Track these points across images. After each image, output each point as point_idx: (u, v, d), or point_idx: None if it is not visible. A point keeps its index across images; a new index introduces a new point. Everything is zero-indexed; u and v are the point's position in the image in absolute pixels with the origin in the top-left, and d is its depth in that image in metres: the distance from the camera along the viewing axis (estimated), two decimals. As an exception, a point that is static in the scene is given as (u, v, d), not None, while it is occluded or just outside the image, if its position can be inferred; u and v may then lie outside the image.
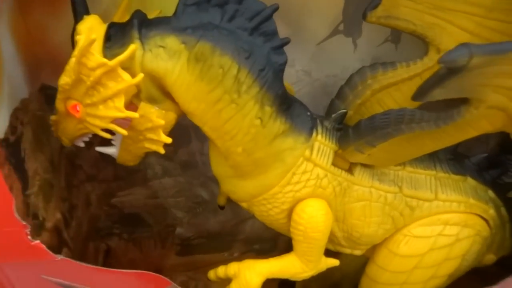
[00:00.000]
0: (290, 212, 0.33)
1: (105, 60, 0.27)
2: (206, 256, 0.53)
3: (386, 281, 0.36)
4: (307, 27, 0.38)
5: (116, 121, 0.29)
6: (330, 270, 0.39)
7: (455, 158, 0.35)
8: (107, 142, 0.32)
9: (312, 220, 0.31)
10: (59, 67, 0.28)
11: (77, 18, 0.28)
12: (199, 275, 0.52)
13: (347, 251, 0.36)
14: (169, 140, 0.30)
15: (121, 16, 0.31)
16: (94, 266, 0.30)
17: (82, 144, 0.33)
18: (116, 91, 0.27)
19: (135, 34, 0.27)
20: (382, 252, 0.35)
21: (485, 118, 0.27)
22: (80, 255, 0.44)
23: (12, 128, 0.32)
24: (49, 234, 0.37)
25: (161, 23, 0.28)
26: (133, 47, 0.27)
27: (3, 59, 0.31)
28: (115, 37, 0.28)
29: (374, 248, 0.36)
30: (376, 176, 0.33)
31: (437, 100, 0.26)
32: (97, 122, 0.29)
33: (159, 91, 0.29)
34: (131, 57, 0.27)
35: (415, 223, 0.34)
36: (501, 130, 0.29)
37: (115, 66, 0.27)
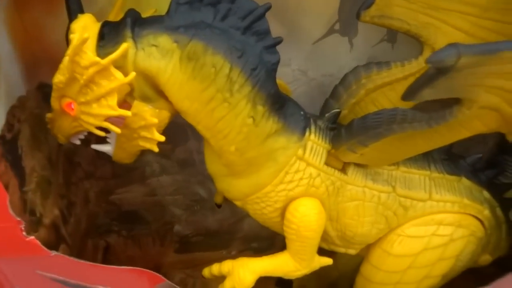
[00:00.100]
0: (283, 211, 0.33)
1: (97, 58, 0.27)
2: (205, 254, 0.53)
3: (380, 281, 0.36)
4: (302, 27, 0.38)
5: (110, 119, 0.29)
6: (327, 270, 0.39)
7: (449, 158, 0.35)
8: (103, 140, 0.33)
9: (305, 219, 0.31)
10: (56, 65, 0.28)
11: (71, 16, 0.28)
12: (198, 273, 0.52)
13: (342, 250, 0.36)
14: (162, 138, 0.30)
15: (116, 14, 0.31)
16: (88, 262, 0.30)
17: (78, 142, 0.33)
18: (109, 89, 0.28)
19: (128, 33, 0.27)
20: (376, 251, 0.35)
21: (478, 118, 0.27)
22: (79, 252, 0.44)
23: (9, 125, 0.33)
24: (46, 230, 0.37)
25: (154, 22, 0.28)
26: (125, 46, 0.27)
27: (0, 57, 0.32)
28: (109, 35, 0.28)
29: (368, 248, 0.36)
30: (370, 175, 0.33)
31: (432, 100, 0.26)
32: (91, 120, 0.29)
33: (152, 89, 0.29)
34: (124, 56, 0.27)
35: (409, 223, 0.34)
36: (495, 131, 0.28)
37: (108, 65, 0.27)
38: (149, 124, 0.29)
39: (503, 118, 0.27)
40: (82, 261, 0.30)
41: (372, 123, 0.28)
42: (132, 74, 0.27)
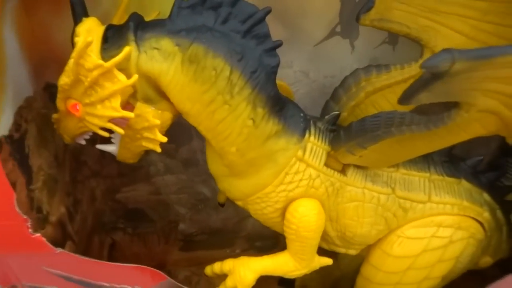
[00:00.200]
0: (283, 211, 0.33)
1: (101, 61, 0.27)
2: (209, 252, 0.53)
3: (380, 281, 0.36)
4: (304, 29, 0.39)
5: (114, 120, 0.30)
6: (330, 269, 0.39)
7: (450, 161, 0.35)
8: (108, 140, 0.33)
9: (304, 219, 0.32)
10: (63, 66, 0.29)
11: (76, 20, 0.29)
12: (202, 271, 0.53)
13: (342, 250, 0.37)
14: (164, 139, 0.31)
15: (120, 17, 0.31)
16: (92, 259, 0.31)
17: (83, 142, 0.34)
18: (113, 91, 0.28)
19: (131, 36, 0.28)
20: (376, 252, 0.35)
21: (477, 121, 0.27)
22: (85, 249, 0.45)
23: (16, 125, 0.33)
24: (53, 227, 0.38)
25: (156, 26, 0.29)
26: (128, 50, 0.27)
27: (7, 58, 0.32)
28: (112, 39, 0.28)
29: (369, 248, 0.36)
30: (369, 177, 0.33)
31: (431, 103, 0.26)
32: (96, 121, 0.30)
33: (155, 91, 0.30)
34: (127, 59, 0.28)
35: (409, 225, 0.34)
36: (495, 133, 0.28)
37: (111, 68, 0.27)
38: (151, 125, 0.30)
39: (502, 121, 0.27)
40: (86, 258, 0.31)
41: (370, 126, 0.28)
42: (135, 77, 0.28)
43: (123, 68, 0.28)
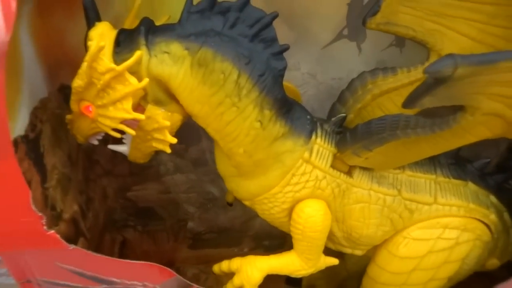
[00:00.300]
0: (290, 211, 0.34)
1: (113, 65, 0.28)
2: (217, 251, 0.54)
3: (385, 282, 0.36)
4: (311, 31, 0.39)
5: (125, 121, 0.31)
6: (336, 269, 0.40)
7: (456, 163, 0.35)
8: (120, 141, 0.34)
9: (311, 220, 0.32)
10: (76, 68, 0.30)
11: (89, 24, 0.30)
12: (210, 269, 0.54)
13: (348, 251, 0.37)
14: (174, 140, 0.31)
15: (131, 21, 0.32)
16: (103, 256, 0.32)
17: (96, 142, 0.35)
18: (124, 94, 0.29)
19: (142, 40, 0.29)
20: (382, 253, 0.36)
21: (482, 124, 0.27)
22: (97, 245, 0.46)
23: (31, 125, 0.34)
24: (66, 224, 0.38)
25: (166, 30, 0.29)
26: (139, 54, 0.28)
27: (23, 61, 0.33)
28: (124, 43, 0.29)
29: (375, 249, 0.36)
30: (375, 179, 0.33)
31: (437, 106, 0.26)
32: (108, 122, 0.31)
33: (165, 94, 0.30)
34: (138, 62, 0.29)
35: (414, 226, 0.34)
36: (501, 136, 0.28)
37: (123, 71, 0.28)
38: (161, 127, 0.31)
39: (508, 123, 0.27)
40: (98, 254, 0.32)
41: (376, 128, 0.29)
42: (146, 80, 0.29)
43: (134, 71, 0.29)
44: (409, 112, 0.29)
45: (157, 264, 0.32)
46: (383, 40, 0.39)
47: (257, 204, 0.34)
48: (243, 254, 0.36)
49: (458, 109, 0.27)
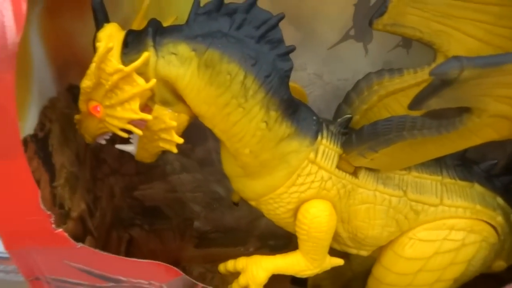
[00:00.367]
0: (295, 212, 0.34)
1: (121, 66, 0.29)
2: (223, 250, 0.54)
3: (391, 282, 0.36)
4: (318, 32, 0.39)
5: (133, 122, 0.31)
6: (342, 270, 0.40)
7: (463, 164, 0.35)
8: (127, 141, 0.34)
9: (316, 220, 0.32)
10: (84, 68, 0.30)
11: (98, 26, 0.30)
12: (216, 268, 0.54)
13: (353, 251, 0.37)
14: (181, 140, 0.32)
15: (139, 22, 0.33)
16: (110, 254, 0.32)
17: (103, 142, 0.35)
18: (132, 94, 0.29)
19: (150, 41, 0.29)
20: (388, 253, 0.36)
21: (489, 126, 0.27)
22: (104, 244, 0.47)
23: (41, 125, 0.35)
24: (74, 223, 0.39)
25: (173, 31, 0.29)
26: (146, 55, 0.29)
27: (33, 61, 0.34)
28: (132, 44, 0.30)
29: (380, 249, 0.36)
30: (381, 180, 0.33)
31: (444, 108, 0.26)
32: (116, 122, 0.31)
33: (172, 94, 0.31)
34: (146, 63, 0.29)
35: (421, 227, 0.34)
36: (507, 138, 0.28)
37: (131, 72, 0.29)
38: (168, 127, 0.31)
39: (515, 125, 0.27)
40: (105, 253, 0.32)
41: (382, 130, 0.29)
42: (153, 81, 0.29)
43: (142, 72, 0.29)
44: (415, 113, 0.29)
45: (164, 263, 0.33)
46: (390, 41, 0.39)
47: (262, 204, 0.35)
48: (248, 254, 0.36)
49: (465, 110, 0.26)
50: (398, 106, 0.35)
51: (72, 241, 0.31)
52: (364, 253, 0.37)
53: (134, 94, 0.29)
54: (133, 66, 0.28)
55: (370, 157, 0.31)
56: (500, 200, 0.35)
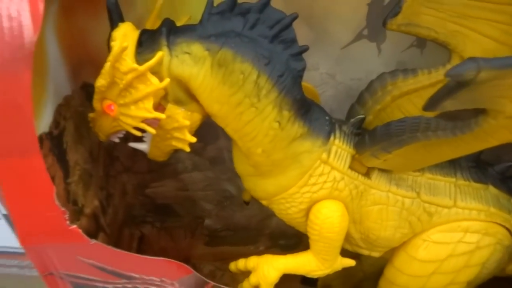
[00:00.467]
0: (307, 212, 0.34)
1: (136, 65, 0.29)
2: (233, 248, 0.55)
3: (403, 284, 0.36)
4: (331, 32, 0.39)
5: (146, 120, 0.31)
6: (353, 270, 0.40)
7: (477, 166, 0.34)
8: (140, 139, 0.35)
9: (328, 221, 0.32)
10: (98, 67, 0.30)
11: (113, 25, 0.30)
12: (226, 266, 0.54)
13: (365, 252, 0.37)
14: (194, 139, 0.32)
15: (153, 22, 0.33)
16: (123, 251, 0.32)
17: (117, 140, 0.35)
18: (146, 93, 0.29)
19: (163, 41, 0.29)
20: (401, 255, 0.35)
21: (505, 128, 0.26)
22: (116, 240, 0.47)
23: (55, 122, 0.35)
24: (87, 219, 0.39)
25: (187, 31, 0.30)
26: (160, 54, 0.29)
27: (48, 60, 0.34)
28: (146, 43, 0.30)
29: (393, 251, 0.36)
30: (394, 181, 0.33)
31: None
32: (129, 121, 0.31)
33: (185, 94, 0.31)
34: (159, 63, 0.29)
35: (435, 229, 0.34)
36: (524, 140, 0.28)
37: (145, 71, 0.29)
38: (181, 126, 0.31)
39: (532, 127, 0.26)
40: (118, 250, 0.32)
41: (395, 131, 0.28)
42: (167, 80, 0.29)
43: (155, 71, 0.29)
44: (429, 114, 0.29)
45: (175, 261, 0.33)
46: (404, 40, 0.39)
47: (274, 203, 0.35)
48: (258, 253, 0.36)
49: (480, 112, 0.26)
50: (412, 107, 0.35)
51: (86, 237, 0.31)
52: (376, 254, 0.37)
53: (148, 93, 0.29)
54: (147, 65, 0.29)
55: (383, 158, 0.30)
56: (515, 203, 0.34)
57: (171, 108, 0.31)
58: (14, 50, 0.26)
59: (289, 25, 0.29)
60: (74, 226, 0.31)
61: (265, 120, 0.30)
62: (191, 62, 0.29)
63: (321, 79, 0.42)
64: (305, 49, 0.30)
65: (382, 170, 0.33)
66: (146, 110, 0.30)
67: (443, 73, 0.33)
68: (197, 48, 0.29)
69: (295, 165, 0.32)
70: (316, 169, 0.32)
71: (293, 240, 0.53)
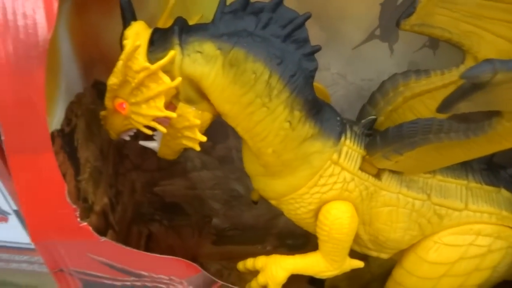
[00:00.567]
0: (317, 212, 0.34)
1: (148, 64, 0.29)
2: (240, 248, 0.55)
3: (412, 286, 0.36)
4: (343, 32, 0.38)
5: (157, 119, 0.31)
6: (360, 272, 0.39)
7: (489, 169, 0.34)
8: (150, 137, 0.35)
9: (337, 222, 0.32)
10: (110, 65, 0.31)
11: (125, 24, 0.30)
12: (233, 265, 0.54)
13: (374, 254, 0.37)
14: (204, 138, 0.32)
15: (165, 21, 0.33)
16: (133, 249, 0.33)
17: (127, 138, 0.35)
18: (157, 92, 0.30)
19: (175, 40, 0.29)
20: (411, 257, 0.35)
21: (519, 130, 0.26)
22: (125, 238, 0.47)
23: (67, 120, 0.35)
24: (97, 216, 0.40)
25: (199, 30, 0.30)
26: (172, 53, 0.29)
27: (61, 57, 0.34)
28: (158, 42, 0.30)
29: (402, 252, 0.36)
30: (405, 182, 0.33)
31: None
32: (140, 120, 0.31)
33: (196, 93, 0.31)
34: (171, 62, 0.29)
35: (446, 231, 0.33)
36: (538, 143, 0.28)
37: (157, 70, 0.29)
38: (192, 125, 0.31)
39: (546, 131, 0.26)
40: (127, 247, 0.33)
41: (407, 132, 0.28)
42: (178, 79, 0.29)
43: (167, 70, 0.29)
44: (441, 116, 0.29)
45: (184, 260, 0.33)
46: (416, 41, 0.39)
47: (283, 204, 0.35)
48: (266, 252, 0.36)
49: (494, 114, 0.26)
50: (424, 108, 0.34)
51: (96, 234, 0.31)
52: (384, 256, 0.36)
53: (160, 92, 0.29)
54: (159, 64, 0.29)
55: (394, 160, 0.30)
56: (527, 206, 0.34)
57: (182, 107, 0.31)
58: (28, 48, 0.26)
59: (302, 25, 0.29)
60: (85, 223, 0.31)
61: (276, 120, 0.30)
62: (202, 61, 0.29)
63: (332, 79, 0.41)
64: (317, 49, 0.30)
65: (393, 172, 0.33)
66: (158, 108, 0.30)
67: (456, 74, 0.33)
68: (209, 47, 0.29)
69: (305, 166, 0.32)
70: (327, 170, 0.32)
71: (301, 240, 0.53)
